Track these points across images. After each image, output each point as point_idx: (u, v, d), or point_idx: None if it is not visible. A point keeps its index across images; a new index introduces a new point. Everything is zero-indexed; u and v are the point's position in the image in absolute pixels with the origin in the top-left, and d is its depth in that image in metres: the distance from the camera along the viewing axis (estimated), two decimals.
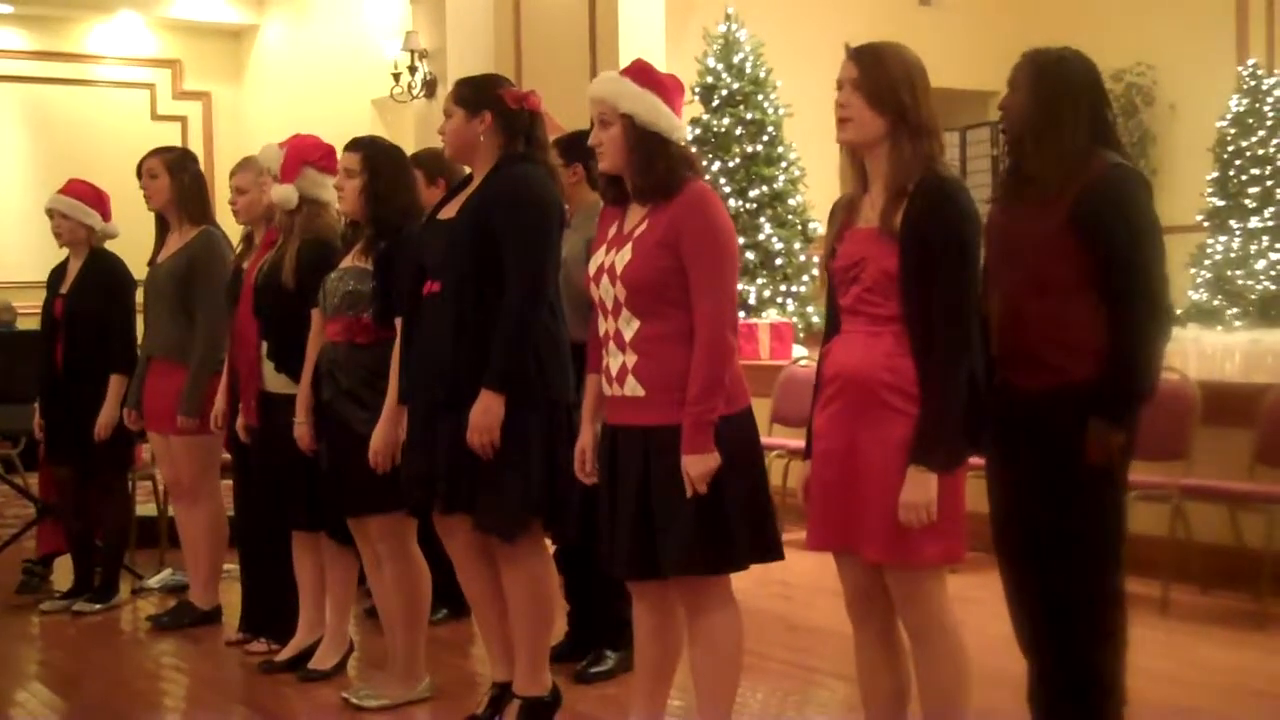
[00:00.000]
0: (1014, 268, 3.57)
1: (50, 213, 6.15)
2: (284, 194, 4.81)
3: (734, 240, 3.56)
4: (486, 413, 3.86)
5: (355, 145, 4.55)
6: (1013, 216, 3.61)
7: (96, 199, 6.16)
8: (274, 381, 4.88)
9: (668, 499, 3.43)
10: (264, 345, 4.92)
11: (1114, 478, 3.56)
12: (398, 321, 4.28)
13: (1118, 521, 3.63)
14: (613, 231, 3.61)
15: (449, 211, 4.12)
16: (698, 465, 3.38)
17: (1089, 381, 3.48)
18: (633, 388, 3.50)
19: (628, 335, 3.51)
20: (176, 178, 5.83)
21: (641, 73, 3.59)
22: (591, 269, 3.62)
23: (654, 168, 3.51)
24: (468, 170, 4.26)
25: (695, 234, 3.44)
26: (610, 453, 3.60)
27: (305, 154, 4.81)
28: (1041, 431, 3.53)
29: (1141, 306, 3.48)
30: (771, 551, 3.56)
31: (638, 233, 3.51)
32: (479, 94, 4.10)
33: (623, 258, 3.50)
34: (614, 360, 3.55)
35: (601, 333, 3.59)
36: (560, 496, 3.92)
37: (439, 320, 3.99)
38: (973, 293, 3.24)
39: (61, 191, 6.17)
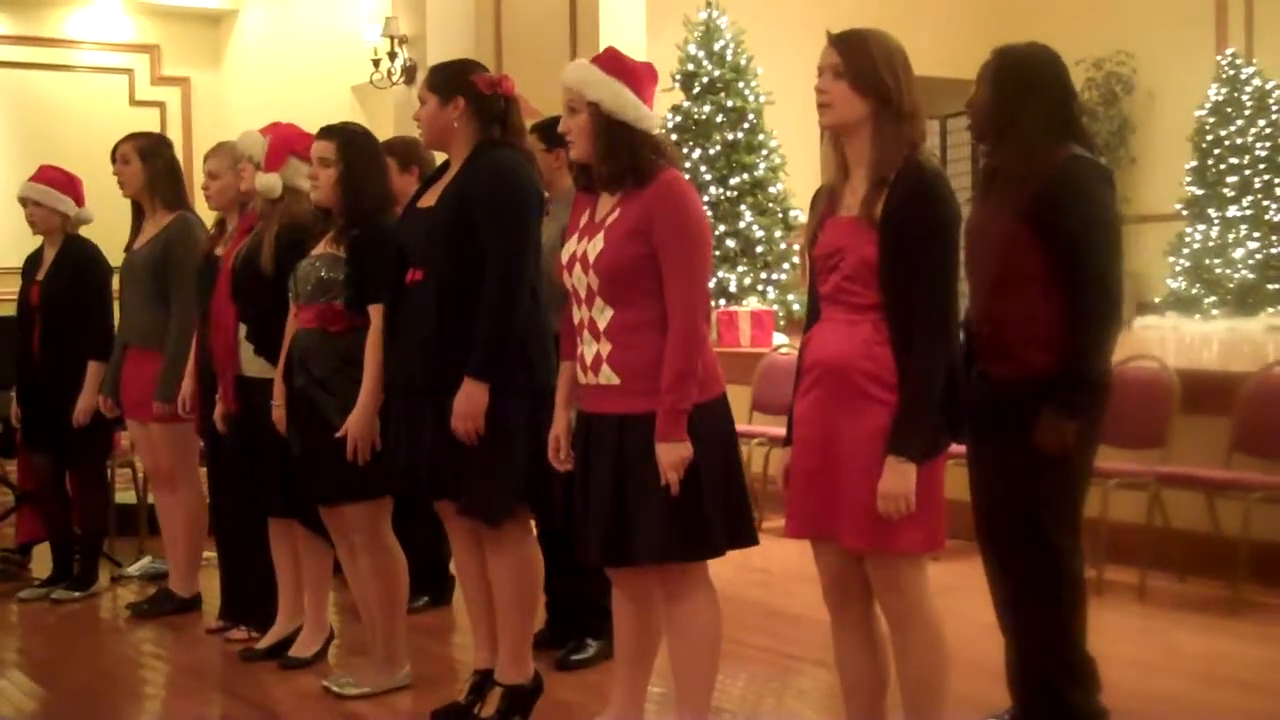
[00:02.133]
0: (983, 262, 3.63)
1: (23, 201, 6.11)
2: (268, 183, 4.78)
3: (707, 229, 3.56)
4: (470, 400, 3.86)
5: (329, 134, 4.51)
6: (982, 212, 3.71)
7: (69, 184, 6.13)
8: (251, 366, 4.86)
9: (642, 486, 3.44)
10: (241, 329, 4.90)
11: (1071, 465, 3.62)
12: (371, 309, 4.27)
13: (1073, 507, 3.70)
14: (584, 220, 3.61)
15: (428, 199, 4.11)
16: (670, 453, 3.38)
17: (1048, 371, 3.55)
18: (607, 376, 3.51)
19: (601, 324, 3.51)
20: (149, 163, 5.80)
21: (611, 60, 3.59)
22: (564, 257, 3.62)
23: (619, 156, 3.51)
24: (442, 158, 4.25)
25: (667, 223, 3.44)
26: (584, 440, 3.61)
27: (291, 144, 4.78)
28: (1004, 420, 3.63)
29: (1090, 296, 3.56)
30: (747, 537, 3.57)
31: (609, 221, 3.52)
32: (451, 80, 4.09)
33: (595, 246, 3.50)
34: (588, 349, 3.55)
35: (575, 321, 3.60)
36: (545, 482, 3.92)
37: (422, 308, 3.98)
38: (952, 283, 3.24)
39: (33, 179, 6.13)
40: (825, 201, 3.39)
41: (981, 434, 3.67)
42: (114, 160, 5.87)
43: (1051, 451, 3.57)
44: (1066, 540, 3.69)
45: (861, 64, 3.24)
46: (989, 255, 3.65)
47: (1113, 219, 3.67)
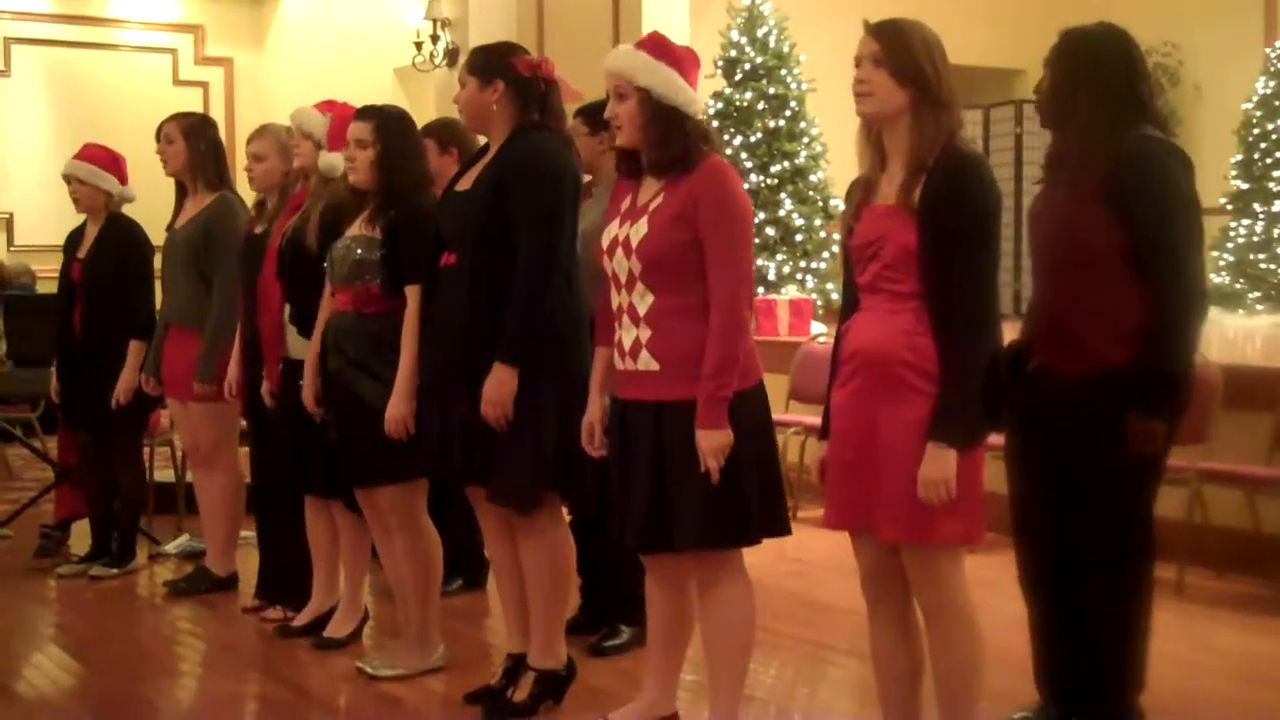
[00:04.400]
0: (1052, 250, 3.55)
1: (67, 178, 6.14)
2: (333, 161, 4.75)
3: (750, 215, 3.56)
4: (500, 385, 3.86)
5: (366, 115, 4.50)
6: (1050, 199, 3.61)
7: (113, 163, 6.16)
8: (297, 347, 4.88)
9: (681, 473, 3.44)
10: (287, 310, 4.92)
11: (1155, 466, 3.54)
12: (407, 290, 4.28)
13: (1149, 508, 3.62)
14: (626, 204, 3.61)
15: (465, 183, 4.11)
16: (711, 440, 3.39)
17: (1128, 366, 3.45)
18: (646, 362, 3.51)
19: (641, 309, 3.51)
20: (192, 143, 5.82)
21: (657, 45, 3.59)
22: (605, 242, 3.62)
23: (671, 141, 3.50)
24: (482, 140, 4.25)
25: (712, 208, 3.44)
26: (621, 426, 3.61)
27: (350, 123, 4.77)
28: (1082, 418, 3.51)
29: (1171, 286, 3.43)
30: (782, 526, 3.58)
31: (653, 206, 3.51)
32: (491, 63, 4.08)
33: (638, 231, 3.50)
34: (627, 334, 3.55)
35: (614, 306, 3.59)
36: (575, 467, 3.92)
37: (455, 292, 3.98)
38: (994, 269, 3.21)
39: (78, 156, 6.16)
40: (861, 192, 3.37)
41: (1048, 432, 3.58)
42: (158, 139, 5.90)
43: (1141, 454, 3.46)
44: (1143, 542, 3.61)
45: (901, 53, 3.22)
46: (1059, 243, 3.55)
47: (1193, 201, 3.53)
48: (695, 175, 3.48)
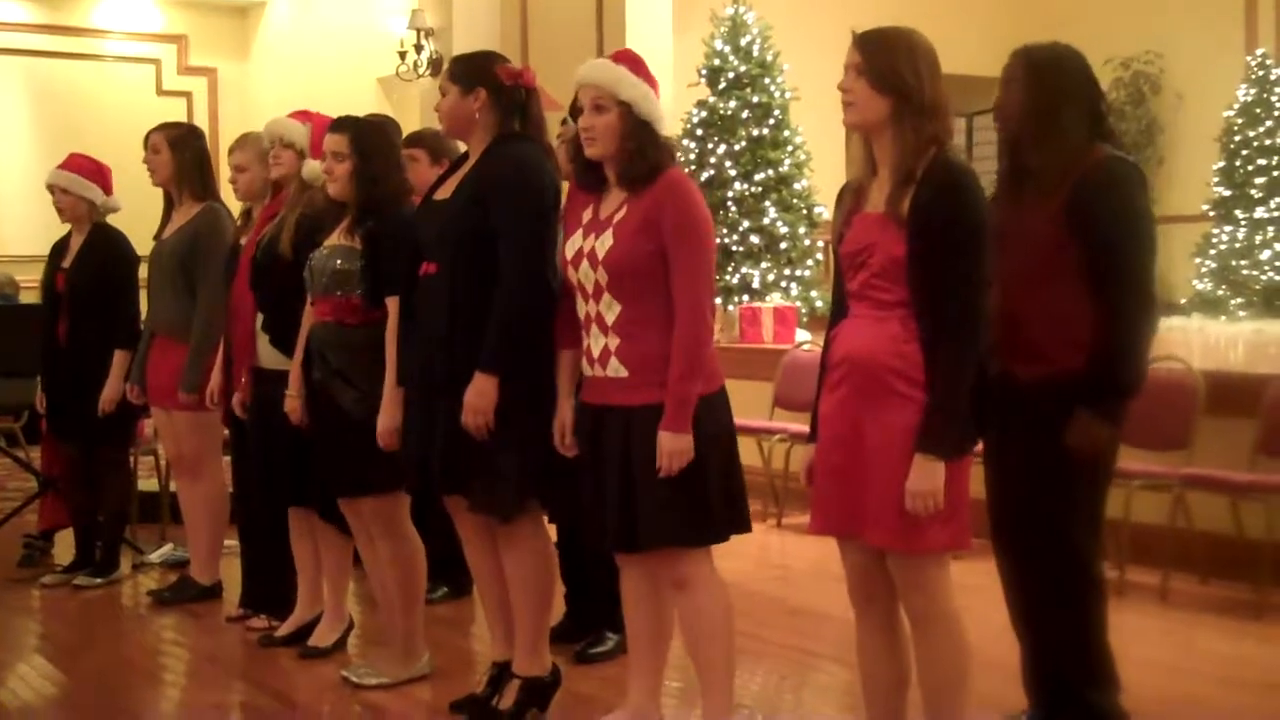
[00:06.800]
0: (1012, 259, 3.60)
1: (51, 188, 6.13)
2: (317, 169, 4.74)
3: (711, 225, 3.65)
4: (481, 394, 3.86)
5: (341, 127, 4.47)
6: (1012, 211, 3.67)
7: (97, 173, 6.15)
8: (267, 357, 4.87)
9: (649, 475, 3.51)
10: (259, 319, 4.91)
11: (1099, 467, 3.61)
12: (388, 301, 4.27)
13: (1097, 509, 3.70)
14: (588, 216, 3.67)
15: (445, 191, 4.10)
16: (673, 443, 3.46)
17: (1079, 371, 3.53)
18: (615, 369, 3.58)
19: (609, 319, 3.58)
20: (178, 154, 5.81)
21: (634, 62, 3.67)
22: (569, 253, 3.67)
23: (645, 156, 3.59)
24: (464, 149, 4.25)
25: (676, 219, 3.52)
26: (593, 431, 3.66)
27: None
28: (1031, 419, 3.60)
29: (1125, 297, 3.54)
30: (744, 525, 3.67)
31: (618, 218, 3.58)
32: (473, 71, 4.08)
33: (604, 243, 3.57)
34: (595, 342, 3.61)
35: (582, 315, 3.66)
36: (556, 476, 3.92)
37: (435, 301, 3.97)
38: (982, 280, 3.22)
39: (61, 166, 6.14)
40: (852, 198, 3.39)
41: (1004, 432, 3.65)
42: (145, 148, 5.88)
43: (1082, 454, 3.55)
44: (1089, 541, 3.68)
45: (881, 62, 3.24)
46: (1020, 253, 3.60)
47: (1149, 220, 3.66)
48: (657, 187, 3.56)
